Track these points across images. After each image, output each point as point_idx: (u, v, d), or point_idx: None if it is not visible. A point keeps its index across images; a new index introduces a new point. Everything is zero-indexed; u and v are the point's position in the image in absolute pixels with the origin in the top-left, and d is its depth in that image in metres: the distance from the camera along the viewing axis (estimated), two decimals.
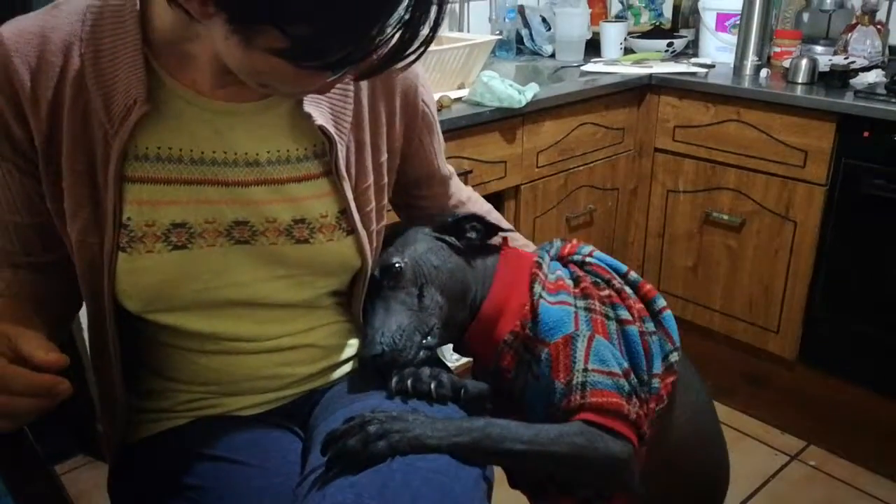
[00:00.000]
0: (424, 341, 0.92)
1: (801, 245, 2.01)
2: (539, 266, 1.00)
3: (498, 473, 0.92)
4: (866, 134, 1.82)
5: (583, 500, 0.97)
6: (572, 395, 0.87)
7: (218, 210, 0.84)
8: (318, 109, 0.85)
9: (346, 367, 0.99)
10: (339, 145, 0.86)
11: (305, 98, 0.85)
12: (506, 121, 1.86)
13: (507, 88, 1.78)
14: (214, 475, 0.84)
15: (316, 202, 0.88)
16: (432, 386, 0.89)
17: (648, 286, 1.02)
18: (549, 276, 1.00)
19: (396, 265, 0.95)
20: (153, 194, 0.81)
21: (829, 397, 2.08)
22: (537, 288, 0.97)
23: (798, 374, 2.13)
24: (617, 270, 1.03)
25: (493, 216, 1.13)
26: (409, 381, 0.88)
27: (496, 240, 1.06)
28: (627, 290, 1.00)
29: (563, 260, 1.06)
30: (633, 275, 1.03)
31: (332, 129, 0.86)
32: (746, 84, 2.06)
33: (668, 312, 1.00)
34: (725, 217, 2.14)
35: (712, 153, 2.13)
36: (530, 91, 1.83)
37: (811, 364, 2.09)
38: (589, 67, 2.28)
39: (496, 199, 1.99)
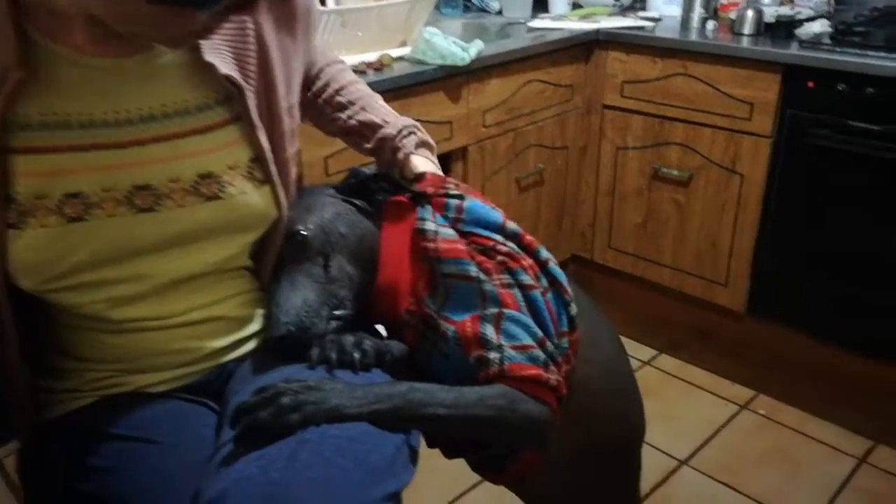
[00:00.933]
0: (335, 313, 0.88)
1: (747, 198, 2.02)
2: (424, 234, 0.91)
3: None
4: (811, 84, 1.82)
5: (494, 458, 0.96)
6: (490, 369, 0.84)
7: (115, 176, 0.78)
8: (219, 57, 0.80)
9: (259, 339, 0.95)
10: (247, 91, 0.82)
11: (204, 45, 0.80)
12: (450, 79, 1.82)
13: (451, 45, 1.73)
14: (124, 455, 0.81)
15: (222, 153, 0.83)
16: (356, 356, 0.86)
17: (529, 237, 0.95)
18: (442, 232, 0.91)
19: (300, 234, 0.89)
20: (42, 165, 0.76)
21: (777, 347, 2.12)
22: (435, 264, 0.90)
23: (746, 325, 2.17)
24: (493, 224, 0.93)
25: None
26: (331, 352, 0.85)
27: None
28: (511, 245, 0.92)
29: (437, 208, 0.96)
30: (511, 225, 0.94)
31: (238, 76, 0.81)
32: (693, 37, 2.04)
33: (553, 263, 0.94)
34: (674, 172, 2.14)
35: (660, 108, 2.12)
36: (474, 48, 1.79)
37: (759, 315, 2.12)
38: (536, 23, 2.23)
39: (443, 161, 1.95)
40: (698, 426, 2.06)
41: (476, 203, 0.95)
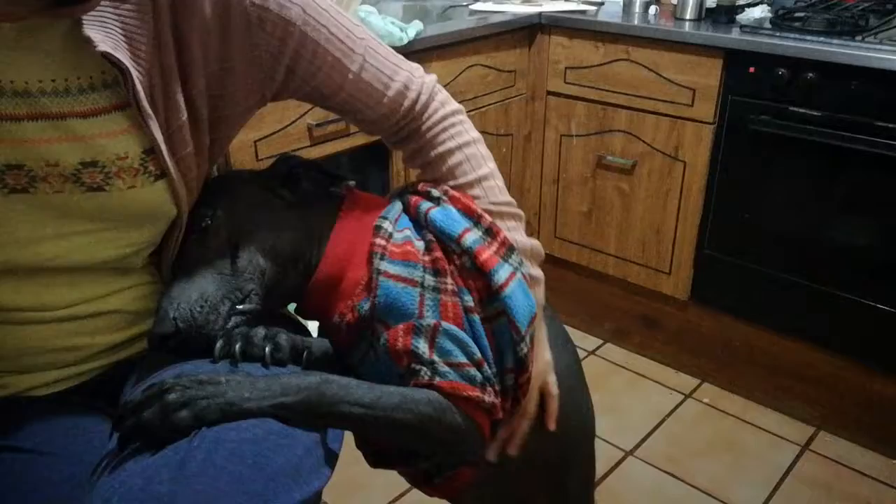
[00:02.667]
0: (239, 307, 0.79)
1: (690, 185, 2.01)
2: (378, 231, 0.84)
3: None
4: (752, 70, 1.81)
5: (423, 472, 0.89)
6: (419, 378, 0.77)
7: None
8: (103, 32, 0.70)
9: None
10: (135, 74, 0.71)
11: (89, 19, 0.70)
12: None
13: (388, 25, 1.67)
14: None
15: (110, 141, 0.73)
16: (267, 350, 0.77)
17: (486, 254, 0.82)
18: (396, 236, 0.84)
19: (205, 222, 0.81)
20: None
21: (720, 335, 2.11)
22: (376, 261, 0.81)
23: (690, 313, 2.16)
24: (448, 235, 0.83)
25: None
26: (237, 345, 0.76)
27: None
28: (467, 262, 0.82)
29: (411, 212, 0.88)
30: (469, 239, 0.82)
31: (125, 56, 0.70)
32: (636, 21, 2.01)
33: (509, 289, 0.81)
34: (618, 160, 2.12)
35: (603, 94, 2.09)
36: (413, 29, 1.73)
37: (702, 303, 2.11)
38: (478, 6, 2.18)
39: (381, 149, 1.88)
40: (644, 416, 2.05)
41: (442, 212, 0.85)
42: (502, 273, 0.82)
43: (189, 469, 0.61)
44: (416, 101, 0.89)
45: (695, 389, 2.16)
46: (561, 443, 0.97)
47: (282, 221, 0.84)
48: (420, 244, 0.83)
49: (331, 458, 0.74)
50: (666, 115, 1.99)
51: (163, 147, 0.75)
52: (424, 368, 0.76)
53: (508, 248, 0.85)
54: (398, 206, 0.88)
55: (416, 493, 0.99)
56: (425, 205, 0.86)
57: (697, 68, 1.89)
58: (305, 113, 1.64)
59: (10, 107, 0.69)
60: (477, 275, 0.81)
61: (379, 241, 0.83)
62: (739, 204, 1.94)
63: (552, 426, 0.93)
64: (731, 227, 1.98)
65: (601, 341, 2.38)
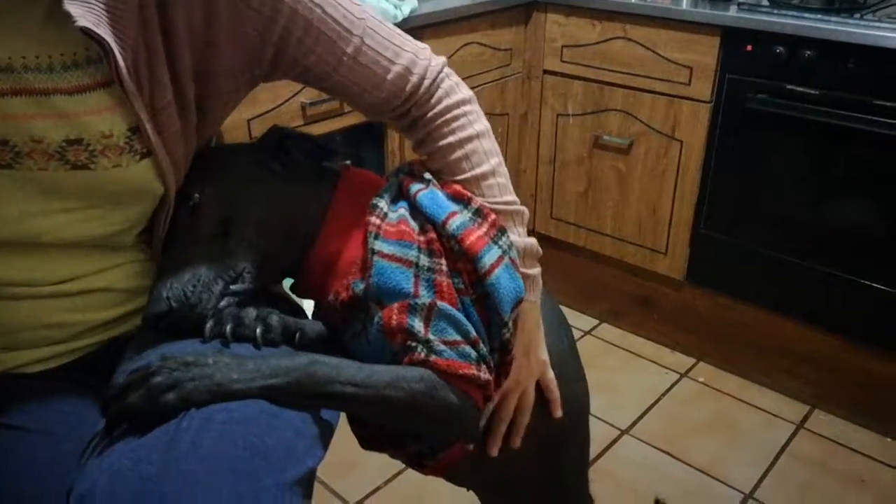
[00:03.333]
0: (232, 287, 0.79)
1: (687, 165, 2.00)
2: (374, 209, 0.82)
3: None
4: (749, 48, 1.79)
5: (414, 455, 0.89)
6: (414, 355, 0.76)
7: None
8: (84, 8, 0.68)
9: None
10: (118, 51, 0.70)
11: None
12: None
13: (381, 2, 1.65)
14: None
15: (95, 118, 0.72)
16: (258, 331, 0.76)
17: (472, 238, 0.80)
18: (391, 216, 0.82)
19: (194, 199, 0.79)
20: None
21: (716, 315, 2.11)
22: (371, 240, 0.80)
23: (686, 293, 2.16)
24: (433, 218, 0.82)
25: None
26: (227, 326, 0.75)
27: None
28: (454, 245, 0.80)
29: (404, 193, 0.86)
30: (452, 225, 0.81)
31: (107, 32, 0.69)
32: None
33: (494, 275, 0.80)
34: (615, 140, 2.11)
35: (600, 73, 2.08)
36: (407, 6, 1.71)
37: (698, 283, 2.11)
38: None
39: (376, 128, 1.87)
40: (639, 395, 2.05)
41: (430, 195, 0.83)
42: (488, 258, 0.80)
43: (178, 450, 0.61)
44: (418, 87, 0.85)
45: (690, 369, 2.17)
46: (556, 421, 0.97)
47: (273, 196, 0.82)
48: (415, 224, 0.82)
49: (325, 437, 0.74)
50: (663, 94, 1.98)
51: (147, 126, 0.74)
52: (420, 346, 0.76)
53: (499, 230, 0.83)
54: (395, 185, 0.87)
55: (412, 473, 0.99)
56: (415, 187, 0.85)
57: (695, 46, 1.88)
58: (299, 91, 1.62)
59: None
60: (464, 258, 0.80)
61: (374, 220, 0.81)
62: (736, 183, 1.93)
63: (558, 414, 0.93)
64: (727, 207, 1.97)
65: (596, 321, 2.38)
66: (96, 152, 0.72)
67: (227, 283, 0.78)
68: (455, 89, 0.89)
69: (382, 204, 0.83)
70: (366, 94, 0.85)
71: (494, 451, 0.91)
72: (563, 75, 2.16)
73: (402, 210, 0.83)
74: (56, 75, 0.70)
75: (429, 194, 0.83)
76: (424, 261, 0.79)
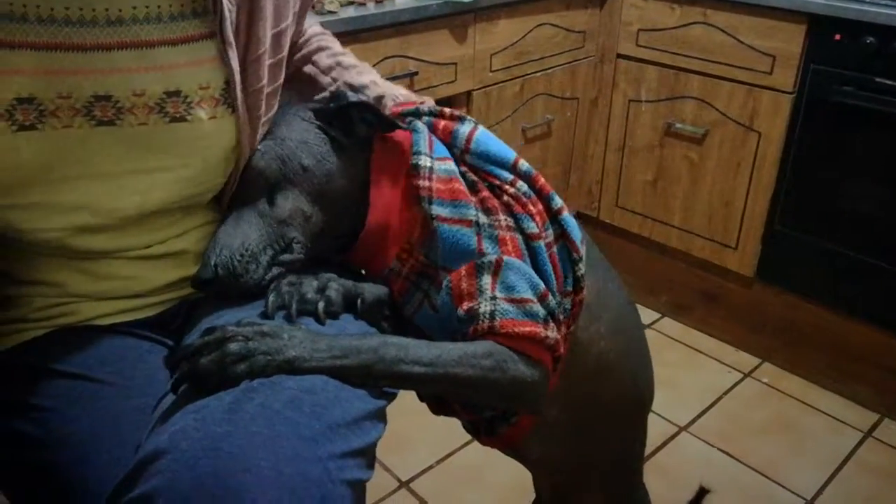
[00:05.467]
0: (282, 258, 0.79)
1: (764, 157, 1.92)
2: (417, 170, 0.81)
3: None
4: (838, 37, 1.71)
5: (486, 420, 0.88)
6: (479, 324, 0.75)
7: (74, 82, 0.69)
8: None
9: None
10: (226, 4, 0.72)
11: None
12: (456, 17, 1.72)
13: None
14: (67, 395, 0.73)
15: (195, 70, 0.74)
16: (320, 305, 0.76)
17: (542, 180, 0.83)
18: (437, 168, 0.81)
19: (252, 162, 0.79)
20: None
21: (785, 315, 2.04)
22: (425, 205, 0.79)
23: (755, 291, 2.08)
24: (504, 160, 0.83)
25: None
26: (291, 299, 0.75)
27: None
28: (522, 186, 0.82)
29: (440, 135, 0.85)
30: (524, 164, 0.83)
31: None
32: None
33: (566, 214, 0.83)
34: (688, 128, 2.04)
35: (676, 59, 2.01)
36: None
37: (768, 281, 2.04)
38: None
39: (445, 106, 1.86)
40: (700, 393, 2.00)
41: (487, 134, 0.84)
42: (557, 199, 0.83)
43: (246, 411, 0.61)
44: None
45: (755, 369, 2.10)
46: (637, 392, 0.97)
47: (330, 166, 0.81)
48: (464, 183, 0.81)
49: (384, 412, 0.74)
50: (742, 83, 1.90)
51: (236, 77, 0.76)
52: (485, 306, 0.75)
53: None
54: (424, 132, 0.84)
55: (463, 455, 0.98)
56: (465, 127, 0.84)
57: (779, 34, 1.80)
58: None
59: (102, 36, 0.70)
60: (535, 199, 0.81)
61: (423, 182, 0.80)
62: (815, 179, 1.85)
63: None
64: (804, 203, 1.89)
65: (659, 315, 2.33)
66: (193, 104, 0.75)
67: (276, 252, 0.79)
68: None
69: (424, 160, 0.81)
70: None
71: None
72: (637, 60, 2.10)
73: (450, 163, 0.82)
74: (163, 25, 0.73)
75: (485, 134, 0.84)
76: (483, 219, 0.79)
